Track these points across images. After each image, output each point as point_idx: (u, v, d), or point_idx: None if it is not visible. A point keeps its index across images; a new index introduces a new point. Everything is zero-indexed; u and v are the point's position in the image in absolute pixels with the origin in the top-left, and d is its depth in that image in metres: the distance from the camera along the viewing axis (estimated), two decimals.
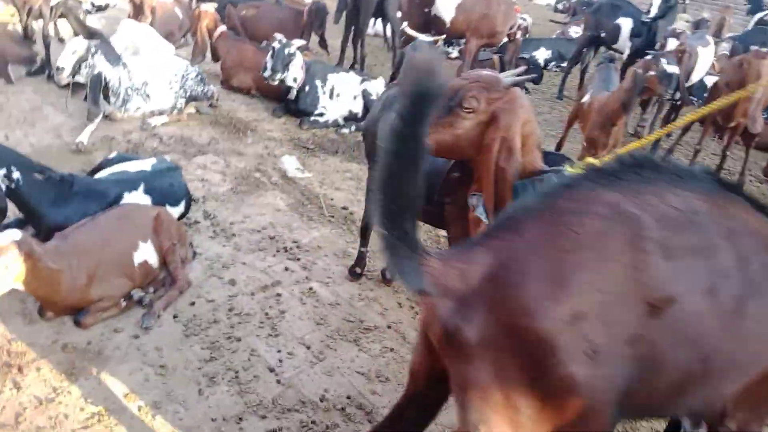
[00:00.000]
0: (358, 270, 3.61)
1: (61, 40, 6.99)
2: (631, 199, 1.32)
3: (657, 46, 6.76)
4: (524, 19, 9.38)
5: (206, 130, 5.59)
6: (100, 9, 9.28)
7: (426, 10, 6.65)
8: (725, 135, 5.53)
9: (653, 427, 2.75)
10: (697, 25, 8.86)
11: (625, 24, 7.84)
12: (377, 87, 6.15)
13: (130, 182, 3.56)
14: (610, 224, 1.31)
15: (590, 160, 1.67)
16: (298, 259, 3.77)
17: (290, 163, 5.02)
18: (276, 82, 5.68)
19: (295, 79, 5.76)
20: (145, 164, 3.79)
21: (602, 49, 8.82)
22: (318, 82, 6.02)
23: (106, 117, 5.29)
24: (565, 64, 10.49)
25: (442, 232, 3.63)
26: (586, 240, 1.29)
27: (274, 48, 5.61)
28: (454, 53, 9.52)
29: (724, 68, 5.87)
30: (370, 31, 9.00)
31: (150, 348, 2.84)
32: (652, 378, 1.27)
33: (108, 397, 2.54)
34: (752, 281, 1.31)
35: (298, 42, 5.92)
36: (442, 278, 1.28)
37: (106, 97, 5.20)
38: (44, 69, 6.15)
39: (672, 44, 6.13)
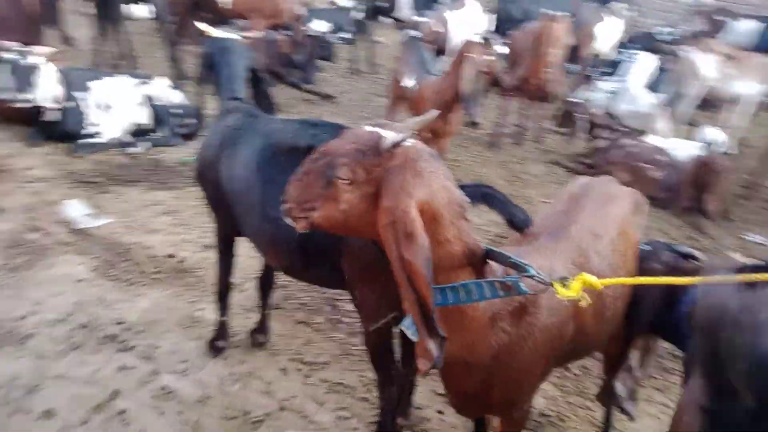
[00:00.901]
0: (221, 344, 2.87)
1: None
2: None
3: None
4: None
5: None
6: None
7: None
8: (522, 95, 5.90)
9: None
10: None
11: None
12: (163, 90, 5.10)
13: None
14: None
15: (587, 278, 1.33)
16: (132, 348, 2.86)
17: (75, 209, 3.86)
18: (24, 105, 4.28)
19: (55, 99, 4.40)
20: None
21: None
22: (79, 94, 4.71)
23: None
24: (346, 35, 10.30)
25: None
26: None
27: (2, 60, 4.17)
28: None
29: (516, 36, 6.17)
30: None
31: None
32: None
33: None
34: None
35: (42, 49, 4.51)
36: None
37: None
38: None
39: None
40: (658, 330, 2.17)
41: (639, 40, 10.77)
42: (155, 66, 7.04)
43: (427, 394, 2.84)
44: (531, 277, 1.35)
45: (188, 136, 5.15)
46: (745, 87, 6.72)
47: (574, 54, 8.20)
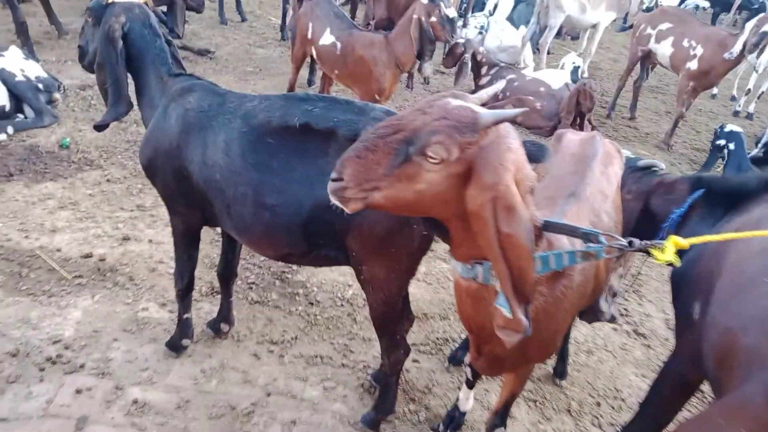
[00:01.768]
0: (186, 342, 2.69)
1: None
2: None
3: None
4: None
5: None
6: None
7: None
8: None
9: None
10: None
11: None
12: (16, 62, 4.33)
13: None
14: None
15: (677, 240, 1.34)
16: (82, 366, 2.58)
17: None
18: None
19: None
20: None
21: None
22: None
23: None
24: None
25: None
26: None
27: None
28: None
29: None
30: None
31: None
32: None
33: None
34: None
35: None
36: None
37: None
38: None
39: None
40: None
41: None
42: None
43: None
44: (629, 243, 1.39)
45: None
46: (599, 16, 7.37)
47: None
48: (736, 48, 5.16)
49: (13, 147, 4.10)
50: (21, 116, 4.29)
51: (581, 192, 1.82)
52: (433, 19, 3.99)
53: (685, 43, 5.72)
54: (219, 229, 2.80)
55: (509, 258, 1.29)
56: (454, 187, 1.28)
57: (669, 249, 1.36)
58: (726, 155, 5.05)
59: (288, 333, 2.96)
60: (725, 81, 6.56)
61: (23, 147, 4.11)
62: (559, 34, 10.48)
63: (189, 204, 2.22)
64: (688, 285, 1.87)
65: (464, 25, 7.73)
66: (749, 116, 7.47)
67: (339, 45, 4.46)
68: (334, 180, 1.31)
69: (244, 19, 8.05)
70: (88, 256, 3.24)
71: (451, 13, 3.99)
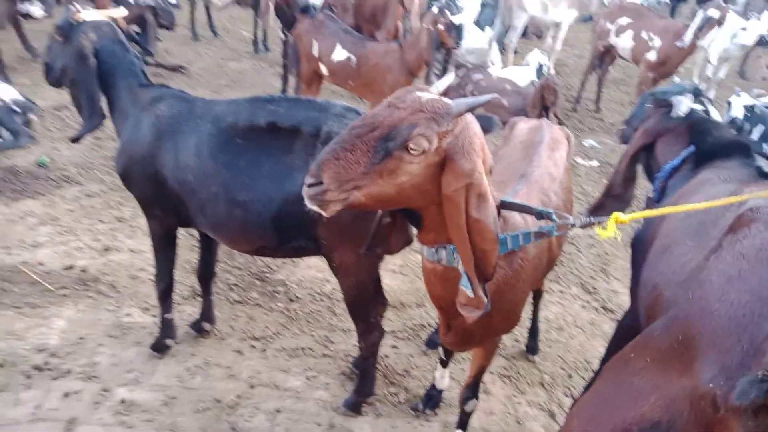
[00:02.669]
0: (169, 342, 2.78)
1: None
2: None
3: None
4: None
5: None
6: None
7: None
8: None
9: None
10: None
11: None
12: None
13: None
14: None
15: (618, 216, 1.49)
16: (68, 372, 2.65)
17: None
18: None
19: None
20: None
21: None
22: None
23: None
24: (172, 1, 9.53)
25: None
26: None
27: None
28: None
29: None
30: None
31: None
32: None
33: None
34: None
35: None
36: None
37: None
38: None
39: None
40: None
41: None
42: None
43: None
44: (564, 222, 1.53)
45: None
46: (561, 14, 7.61)
47: None
48: (688, 36, 5.39)
49: None
50: None
51: (530, 174, 1.96)
52: (440, 26, 4.19)
53: (644, 35, 5.96)
54: (197, 235, 2.90)
55: (474, 241, 1.39)
56: (431, 176, 1.35)
57: (611, 226, 1.49)
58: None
59: (269, 329, 3.06)
60: (688, 70, 6.82)
61: (1, 168, 4.17)
62: (525, 33, 10.76)
63: (165, 207, 2.32)
64: (638, 248, 2.01)
65: None
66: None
67: (354, 58, 4.61)
68: (311, 185, 1.31)
69: (216, 35, 8.17)
70: (70, 267, 3.31)
71: (457, 20, 4.21)
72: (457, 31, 4.24)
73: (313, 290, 3.37)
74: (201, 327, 2.91)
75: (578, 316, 3.36)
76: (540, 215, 1.58)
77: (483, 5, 9.48)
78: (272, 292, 3.34)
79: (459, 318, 1.75)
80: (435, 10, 4.38)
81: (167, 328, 2.75)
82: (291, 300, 3.29)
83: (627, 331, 1.88)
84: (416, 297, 3.38)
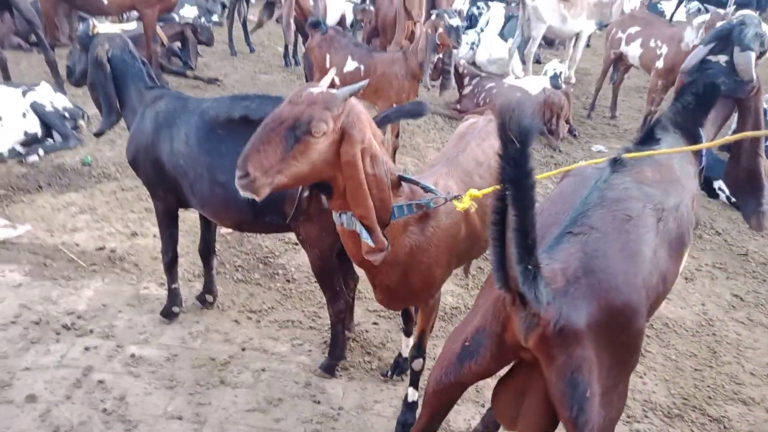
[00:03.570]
0: (176, 309, 3.21)
1: None
2: (641, 181, 1.73)
3: None
4: None
5: None
6: None
7: None
8: None
9: None
10: None
11: None
12: (46, 95, 5.06)
13: None
14: (644, 204, 1.68)
15: (472, 192, 1.87)
16: (91, 331, 3.12)
17: None
18: None
19: None
20: None
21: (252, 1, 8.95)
22: None
23: None
24: (215, 19, 10.30)
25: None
26: (637, 219, 1.62)
27: None
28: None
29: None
30: None
31: None
32: None
33: None
34: None
35: None
36: (553, 282, 1.43)
37: None
38: None
39: None
40: None
41: None
42: (27, 74, 6.81)
43: (364, 312, 3.42)
44: (438, 197, 1.91)
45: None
46: (580, 24, 7.80)
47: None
48: (688, 37, 5.51)
49: (43, 166, 4.79)
50: (50, 140, 4.99)
51: (455, 158, 2.30)
52: (440, 30, 4.52)
53: (652, 44, 6.10)
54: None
55: (374, 192, 1.77)
56: (334, 151, 1.74)
57: (465, 199, 1.86)
58: None
59: (266, 304, 3.45)
60: None
61: (52, 165, 4.80)
62: (551, 43, 10.92)
63: (165, 188, 2.77)
64: None
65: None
66: None
67: (363, 68, 5.04)
68: (241, 177, 1.64)
69: (252, 50, 8.79)
70: (102, 248, 3.83)
71: (455, 22, 4.53)
72: (456, 31, 4.55)
73: (308, 273, 3.75)
74: (204, 299, 3.33)
75: None
76: (426, 190, 1.94)
77: (509, 17, 9.76)
78: (272, 274, 3.74)
79: (380, 276, 2.09)
80: (433, 15, 4.71)
81: (174, 297, 3.19)
82: (288, 281, 3.69)
83: None
84: None
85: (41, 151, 4.83)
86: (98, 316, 3.24)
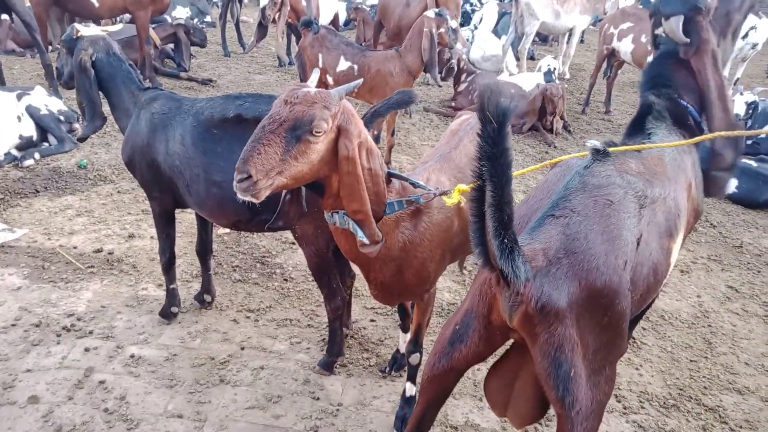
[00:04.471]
0: (174, 309, 3.23)
1: None
2: (624, 171, 1.78)
3: None
4: None
5: None
6: None
7: None
8: None
9: None
10: None
11: None
12: (41, 99, 5.07)
13: None
14: (626, 190, 1.72)
15: (461, 187, 1.89)
16: (91, 332, 3.14)
17: None
18: None
19: None
20: None
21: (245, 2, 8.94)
22: None
23: None
24: (207, 19, 10.29)
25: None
26: (619, 204, 1.67)
27: None
28: None
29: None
30: None
31: None
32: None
33: None
34: None
35: None
36: (534, 261, 1.47)
37: None
38: None
39: None
40: None
41: None
42: (21, 78, 6.80)
43: (361, 309, 3.45)
44: (428, 192, 1.95)
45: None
46: (573, 20, 7.83)
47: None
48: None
49: (39, 169, 4.80)
50: (46, 144, 5.00)
51: (448, 154, 2.33)
52: (442, 30, 4.60)
53: (643, 39, 6.13)
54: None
55: (369, 186, 1.82)
56: (331, 149, 1.78)
57: (455, 195, 1.89)
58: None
59: (264, 303, 3.47)
60: None
61: (47, 169, 4.81)
62: (545, 40, 10.96)
63: (162, 189, 2.79)
64: None
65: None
66: None
67: (356, 67, 5.06)
68: (241, 180, 1.63)
69: (245, 51, 8.80)
70: (99, 251, 3.84)
71: (454, 24, 4.64)
72: (455, 33, 4.64)
73: (305, 272, 3.78)
74: (202, 299, 3.35)
75: None
76: (415, 186, 1.98)
77: (502, 14, 9.79)
78: (270, 273, 3.77)
79: (374, 271, 2.12)
80: (431, 14, 4.74)
81: (172, 297, 3.21)
82: (286, 280, 3.71)
83: None
84: None
85: (37, 155, 4.84)
86: (97, 317, 3.26)
